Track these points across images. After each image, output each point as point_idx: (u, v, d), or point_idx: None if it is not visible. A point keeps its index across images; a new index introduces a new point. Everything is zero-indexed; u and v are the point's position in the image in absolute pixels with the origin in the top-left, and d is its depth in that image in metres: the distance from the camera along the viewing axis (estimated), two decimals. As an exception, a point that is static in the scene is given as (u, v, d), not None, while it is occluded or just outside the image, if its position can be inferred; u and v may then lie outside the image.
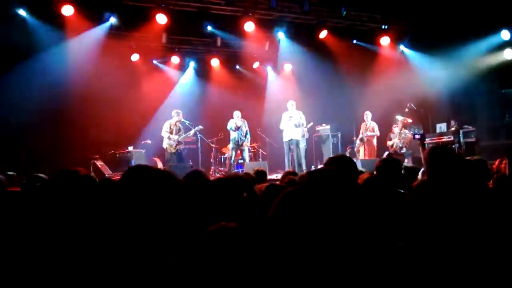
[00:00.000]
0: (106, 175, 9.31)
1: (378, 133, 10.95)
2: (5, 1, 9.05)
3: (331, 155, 11.25)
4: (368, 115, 11.05)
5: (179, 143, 10.12)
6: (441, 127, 10.84)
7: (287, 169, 9.93)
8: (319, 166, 9.87)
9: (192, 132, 10.30)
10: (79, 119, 10.81)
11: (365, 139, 10.98)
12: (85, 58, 10.28)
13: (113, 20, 10.11)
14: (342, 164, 2.62)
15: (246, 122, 10.77)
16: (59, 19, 9.43)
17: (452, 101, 10.78)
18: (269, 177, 7.23)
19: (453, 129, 10.17)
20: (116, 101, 11.18)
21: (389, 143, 10.73)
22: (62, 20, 9.45)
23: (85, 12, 9.56)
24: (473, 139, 9.78)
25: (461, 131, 9.89)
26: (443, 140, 9.95)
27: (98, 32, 10.22)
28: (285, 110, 10.54)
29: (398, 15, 11.31)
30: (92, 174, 8.96)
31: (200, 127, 10.37)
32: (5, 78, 9.16)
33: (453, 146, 9.56)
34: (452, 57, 10.12)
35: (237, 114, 10.66)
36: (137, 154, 10.57)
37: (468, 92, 10.22)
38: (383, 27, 11.51)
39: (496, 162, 4.82)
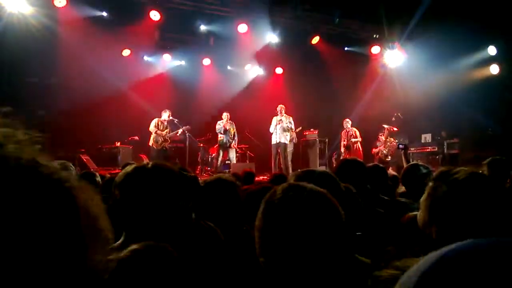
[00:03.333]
0: (92, 170, 9.23)
1: (360, 138, 11.08)
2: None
3: (317, 160, 11.47)
4: (347, 122, 11.18)
5: (165, 140, 10.10)
6: (426, 137, 11.03)
7: (273, 171, 9.98)
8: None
9: (180, 131, 10.29)
10: (66, 112, 10.69)
11: (351, 146, 11.10)
12: (75, 51, 10.19)
13: (105, 14, 10.06)
14: (352, 169, 2.67)
15: (234, 124, 10.82)
16: (51, 10, 9.34)
17: (437, 112, 10.98)
18: (256, 178, 7.25)
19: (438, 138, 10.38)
20: (105, 95, 11.08)
21: (375, 150, 10.87)
22: (54, 11, 9.37)
23: (77, 4, 9.50)
24: (457, 151, 9.98)
25: (445, 142, 10.08)
26: (427, 150, 10.13)
27: (90, 25, 10.15)
28: (274, 113, 10.61)
29: (390, 25, 11.48)
30: (77, 168, 8.88)
31: (188, 127, 10.37)
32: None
33: (437, 157, 9.75)
34: (440, 69, 10.33)
35: (225, 115, 10.69)
36: (124, 150, 10.50)
37: (454, 104, 10.43)
38: (374, 36, 11.68)
39: None
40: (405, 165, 4.20)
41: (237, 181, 2.41)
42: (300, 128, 11.29)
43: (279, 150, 10.51)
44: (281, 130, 10.37)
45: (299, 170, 1.97)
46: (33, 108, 9.84)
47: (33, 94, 9.79)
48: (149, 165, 1.58)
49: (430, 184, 1.45)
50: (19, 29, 9.16)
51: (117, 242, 1.68)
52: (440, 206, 1.38)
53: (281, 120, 10.38)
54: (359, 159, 2.97)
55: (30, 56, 9.57)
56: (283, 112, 10.51)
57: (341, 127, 11.39)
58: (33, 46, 9.47)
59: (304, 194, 1.19)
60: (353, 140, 11.06)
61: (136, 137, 11.29)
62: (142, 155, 11.15)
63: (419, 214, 1.51)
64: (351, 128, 11.16)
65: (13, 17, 9.15)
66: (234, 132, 10.77)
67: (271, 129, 10.55)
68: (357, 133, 11.11)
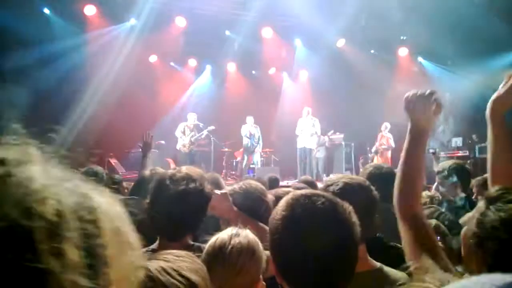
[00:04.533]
0: (120, 173, 9.42)
1: (393, 145, 10.85)
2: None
3: (343, 165, 11.33)
4: (386, 126, 10.96)
5: (191, 143, 10.21)
6: (457, 141, 10.73)
7: (299, 176, 9.92)
8: (331, 175, 9.83)
9: (204, 132, 10.38)
10: (95, 117, 10.94)
11: (379, 151, 10.91)
12: (104, 58, 10.45)
13: (133, 21, 10.28)
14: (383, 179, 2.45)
15: (258, 128, 10.83)
16: (81, 19, 9.62)
17: (469, 115, 10.66)
18: (280, 183, 7.22)
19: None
20: (133, 100, 11.30)
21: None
22: (84, 19, 9.64)
23: (106, 13, 9.74)
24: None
25: (476, 146, 9.78)
26: (458, 154, 9.85)
27: (118, 32, 10.40)
28: (299, 117, 10.56)
29: (417, 27, 11.25)
30: (106, 171, 9.06)
31: (212, 127, 10.45)
32: (27, 76, 9.31)
33: (468, 161, 9.45)
34: (471, 71, 10.04)
35: (250, 120, 10.72)
36: (151, 154, 10.63)
37: (485, 107, 10.09)
38: (401, 38, 11.47)
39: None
40: (436, 170, 4.07)
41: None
42: (332, 131, 11.19)
43: (304, 155, 10.47)
44: (307, 134, 10.31)
45: (332, 178, 1.84)
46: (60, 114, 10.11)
47: (60, 100, 10.06)
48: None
49: (481, 211, 1.14)
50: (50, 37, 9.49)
51: (151, 246, 1.70)
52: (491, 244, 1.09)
53: (306, 123, 10.30)
54: (390, 168, 2.85)
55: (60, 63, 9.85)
56: (309, 115, 10.43)
57: (376, 130, 11.17)
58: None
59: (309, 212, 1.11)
60: (383, 147, 10.86)
61: (162, 142, 11.45)
62: (168, 159, 11.30)
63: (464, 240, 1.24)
64: (386, 133, 10.95)
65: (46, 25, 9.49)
66: (259, 136, 10.79)
67: (297, 132, 10.50)
68: (391, 140, 10.85)
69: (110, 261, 0.47)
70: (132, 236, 0.52)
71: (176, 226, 1.66)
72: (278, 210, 1.15)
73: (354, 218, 1.12)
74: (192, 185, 1.68)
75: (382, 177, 2.54)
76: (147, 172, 2.71)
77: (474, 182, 3.62)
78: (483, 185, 3.18)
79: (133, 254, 0.51)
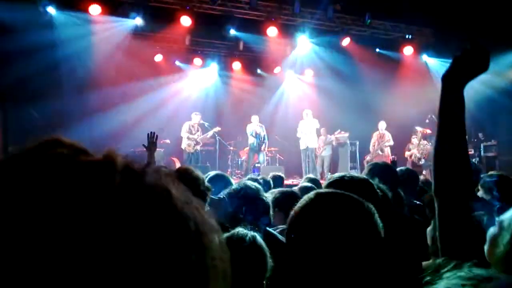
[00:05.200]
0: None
1: (392, 142, 10.87)
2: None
3: (348, 164, 11.32)
4: (382, 124, 10.96)
5: (197, 143, 10.25)
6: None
7: (304, 175, 9.93)
8: (337, 174, 9.82)
9: (210, 133, 10.41)
10: (99, 116, 11.00)
11: (385, 150, 10.88)
12: (109, 57, 10.50)
13: (138, 20, 10.30)
14: (382, 173, 2.51)
15: (263, 127, 10.85)
16: (86, 18, 9.67)
17: (474, 114, 10.61)
18: (285, 182, 7.24)
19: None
20: (137, 99, 11.36)
21: (407, 153, 10.62)
22: (89, 19, 9.69)
23: (111, 12, 9.78)
24: (494, 154, 9.62)
25: (481, 145, 9.73)
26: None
27: (123, 31, 10.44)
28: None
29: (423, 25, 11.21)
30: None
31: (218, 128, 10.47)
32: (31, 76, 9.37)
33: (473, 160, 9.42)
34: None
35: (255, 119, 10.74)
36: (156, 153, 10.67)
37: (491, 106, 10.05)
38: (406, 36, 11.43)
39: None
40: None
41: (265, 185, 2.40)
42: (339, 131, 11.21)
43: (308, 155, 10.50)
44: (309, 135, 10.36)
45: (332, 175, 1.85)
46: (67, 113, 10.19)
47: (67, 99, 10.13)
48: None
49: None
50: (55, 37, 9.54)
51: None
52: None
53: (306, 125, 10.37)
54: (389, 163, 2.89)
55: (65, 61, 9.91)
56: (310, 116, 10.47)
57: (375, 129, 11.18)
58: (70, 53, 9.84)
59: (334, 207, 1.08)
60: (386, 144, 10.85)
61: (167, 141, 11.49)
62: (173, 158, 11.35)
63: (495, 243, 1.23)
64: (385, 131, 10.95)
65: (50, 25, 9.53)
66: (264, 135, 10.81)
67: (298, 134, 10.58)
68: (390, 136, 10.89)
69: None
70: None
71: None
72: (300, 209, 1.12)
73: (379, 220, 1.10)
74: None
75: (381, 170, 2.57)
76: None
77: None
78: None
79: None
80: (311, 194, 1.16)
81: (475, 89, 10.10)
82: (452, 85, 1.33)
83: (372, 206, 1.13)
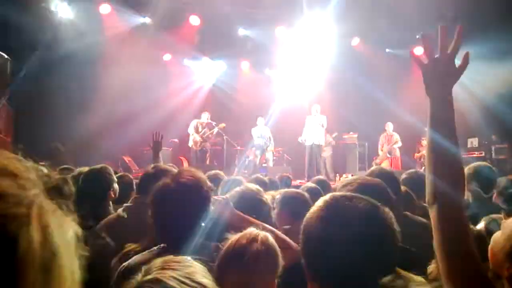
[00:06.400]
0: (133, 171, 9.51)
1: (400, 143, 10.79)
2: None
3: (357, 165, 11.22)
4: (389, 126, 10.86)
5: (203, 140, 10.26)
6: (472, 141, 10.55)
7: (306, 174, 9.86)
8: (345, 176, 9.78)
9: (215, 129, 10.42)
10: (109, 114, 11.03)
11: (393, 152, 10.80)
12: (118, 56, 10.54)
13: (147, 19, 10.35)
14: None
15: (269, 129, 10.87)
16: (97, 17, 9.72)
17: (486, 115, 10.48)
18: (293, 182, 7.20)
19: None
20: (146, 98, 11.37)
21: (417, 155, 10.53)
22: (99, 18, 9.74)
23: (121, 11, 9.83)
24: (505, 156, 9.49)
25: (493, 147, 9.61)
26: (474, 155, 9.69)
27: (132, 31, 10.49)
28: (308, 114, 10.49)
29: (433, 25, 11.09)
30: (120, 169, 9.16)
31: (223, 124, 10.48)
32: (40, 73, 9.43)
33: (485, 162, 9.29)
34: (487, 72, 9.84)
35: (261, 121, 10.73)
36: (164, 152, 10.69)
37: (503, 107, 9.90)
38: (417, 36, 11.31)
39: None
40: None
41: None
42: (336, 134, 11.11)
43: (313, 152, 10.37)
44: (315, 131, 10.17)
45: (347, 177, 1.84)
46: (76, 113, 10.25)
47: (77, 98, 10.19)
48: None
49: None
50: (66, 36, 9.59)
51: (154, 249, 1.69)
52: None
53: (314, 120, 10.18)
54: (389, 170, 2.80)
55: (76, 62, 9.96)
56: (318, 111, 10.30)
57: (383, 131, 11.09)
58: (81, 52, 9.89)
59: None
60: (395, 146, 10.76)
61: (176, 140, 11.51)
62: (181, 157, 11.37)
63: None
64: (393, 133, 10.86)
65: (62, 24, 9.60)
66: (269, 136, 10.82)
67: (304, 130, 10.47)
68: (398, 137, 10.80)
69: None
70: None
71: (177, 229, 1.64)
72: (316, 212, 1.09)
73: (395, 223, 1.08)
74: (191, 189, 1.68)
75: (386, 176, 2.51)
76: (149, 168, 2.74)
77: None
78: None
79: None
80: (326, 197, 1.14)
81: (486, 89, 9.98)
82: (434, 95, 1.32)
83: (389, 211, 1.10)
